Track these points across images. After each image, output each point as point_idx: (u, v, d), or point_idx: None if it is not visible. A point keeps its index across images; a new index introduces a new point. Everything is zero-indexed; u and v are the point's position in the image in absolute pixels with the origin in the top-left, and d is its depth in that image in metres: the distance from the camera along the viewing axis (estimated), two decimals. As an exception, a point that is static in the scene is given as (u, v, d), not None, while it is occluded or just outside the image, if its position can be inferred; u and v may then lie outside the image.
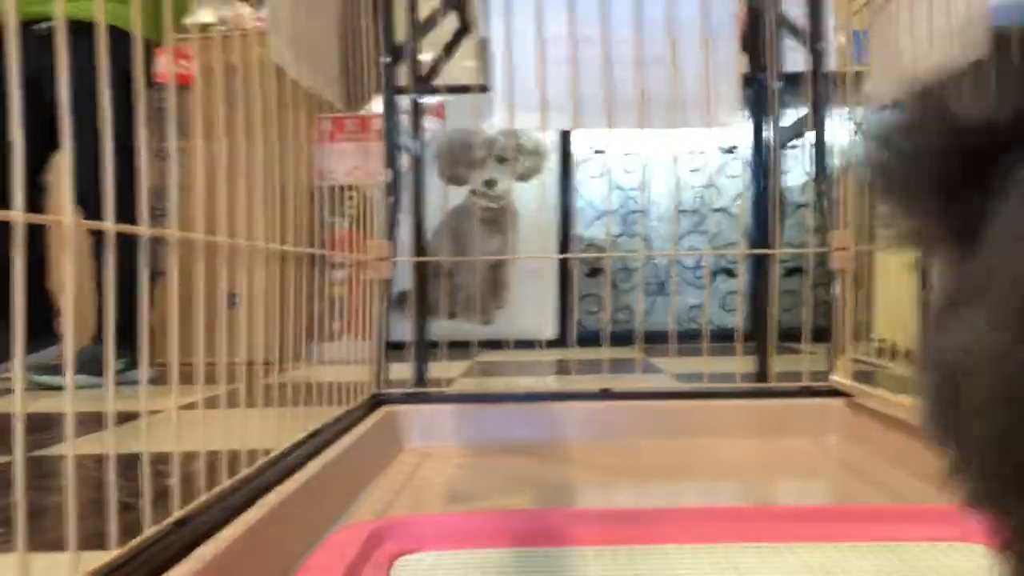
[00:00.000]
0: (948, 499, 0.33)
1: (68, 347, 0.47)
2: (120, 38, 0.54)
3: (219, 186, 0.71)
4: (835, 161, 1.38)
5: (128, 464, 0.72)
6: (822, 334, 1.32)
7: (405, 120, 1.46)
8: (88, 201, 0.62)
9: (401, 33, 1.41)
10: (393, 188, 1.38)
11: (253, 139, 0.75)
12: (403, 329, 1.45)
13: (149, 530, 0.54)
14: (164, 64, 2.52)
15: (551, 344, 2.62)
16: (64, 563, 0.46)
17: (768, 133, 1.57)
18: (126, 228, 0.52)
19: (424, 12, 1.50)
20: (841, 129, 1.37)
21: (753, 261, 1.66)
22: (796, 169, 2.96)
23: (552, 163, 2.88)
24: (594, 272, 2.97)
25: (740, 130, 1.48)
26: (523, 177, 2.91)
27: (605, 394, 1.29)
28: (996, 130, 0.31)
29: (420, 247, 1.50)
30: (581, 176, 3.05)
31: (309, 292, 0.96)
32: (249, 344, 0.72)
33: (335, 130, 2.43)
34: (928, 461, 1.07)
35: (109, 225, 0.50)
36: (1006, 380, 0.27)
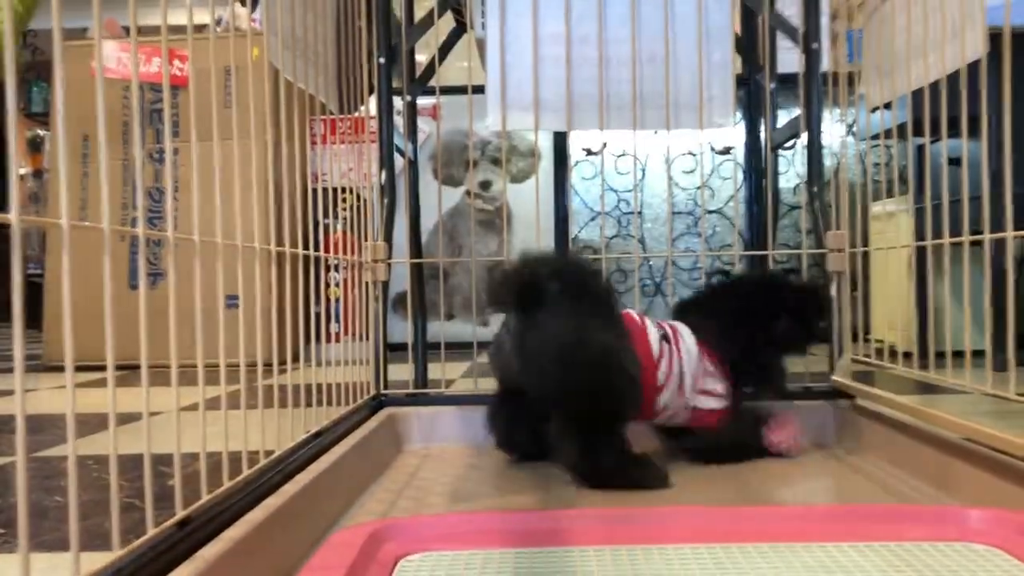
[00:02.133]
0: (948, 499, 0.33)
1: (68, 348, 0.47)
2: None
3: (213, 188, 0.71)
4: (828, 162, 1.38)
5: (129, 465, 0.71)
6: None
7: (399, 121, 1.45)
8: None
9: (397, 34, 1.41)
10: (389, 190, 1.37)
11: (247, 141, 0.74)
12: (402, 330, 1.45)
13: (152, 531, 0.53)
14: (159, 65, 2.51)
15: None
16: (66, 563, 0.45)
17: (763, 134, 1.57)
18: (121, 230, 0.51)
19: (420, 12, 1.50)
20: (834, 130, 1.37)
21: (749, 263, 1.66)
22: (789, 171, 2.97)
23: (547, 164, 2.88)
24: (590, 274, 2.97)
25: (734, 131, 1.48)
26: (516, 179, 2.91)
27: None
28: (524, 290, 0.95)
29: (417, 249, 1.50)
30: (575, 177, 3.06)
31: (306, 294, 0.96)
32: (247, 345, 0.72)
33: (328, 132, 2.42)
34: (928, 461, 1.07)
35: (104, 225, 0.50)
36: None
